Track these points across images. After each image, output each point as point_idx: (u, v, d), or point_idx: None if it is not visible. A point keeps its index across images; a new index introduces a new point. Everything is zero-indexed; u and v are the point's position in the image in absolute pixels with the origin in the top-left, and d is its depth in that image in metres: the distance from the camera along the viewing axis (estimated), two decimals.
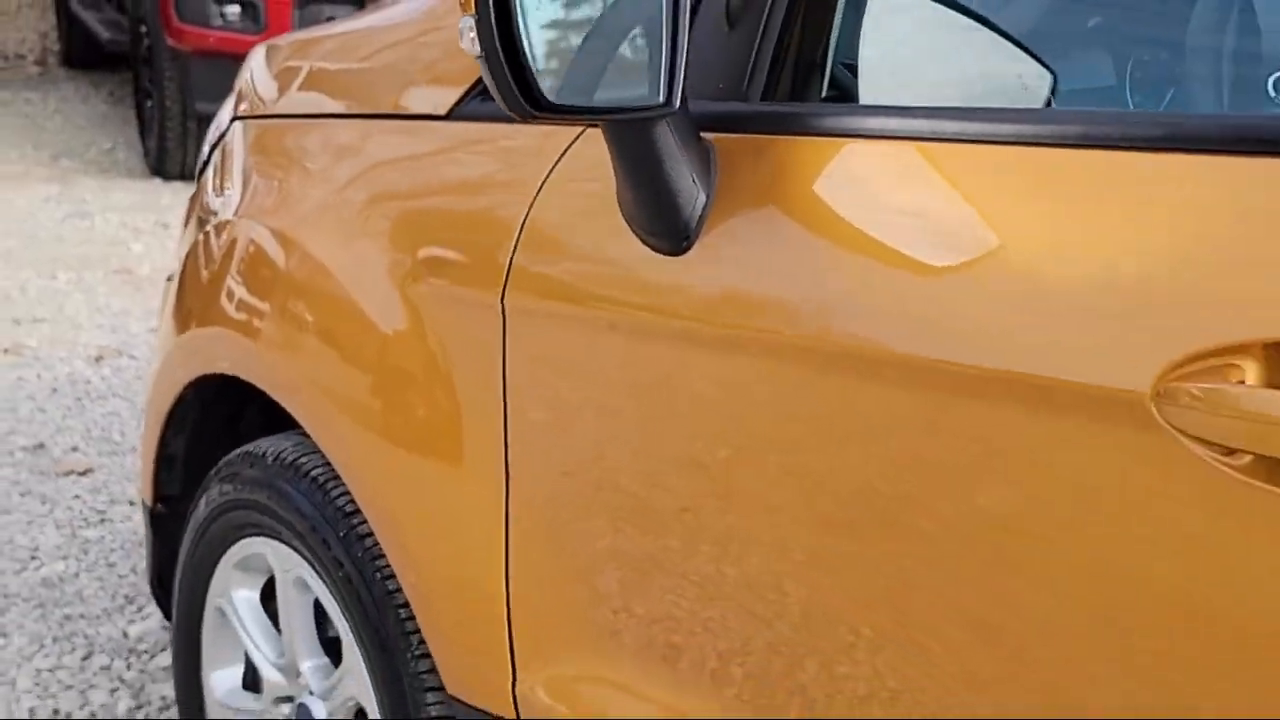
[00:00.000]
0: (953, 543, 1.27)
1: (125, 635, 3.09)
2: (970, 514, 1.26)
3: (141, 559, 3.18)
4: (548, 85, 1.33)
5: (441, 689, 1.85)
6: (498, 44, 1.29)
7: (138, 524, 3.43)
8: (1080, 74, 1.63)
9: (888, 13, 1.52)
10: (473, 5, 1.28)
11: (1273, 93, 1.65)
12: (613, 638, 1.64)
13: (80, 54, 9.43)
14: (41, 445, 3.99)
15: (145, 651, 3.03)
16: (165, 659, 2.93)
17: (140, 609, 3.18)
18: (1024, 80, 1.54)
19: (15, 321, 4.97)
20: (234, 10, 6.35)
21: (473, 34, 1.29)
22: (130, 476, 3.75)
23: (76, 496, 3.70)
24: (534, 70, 1.31)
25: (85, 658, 3.01)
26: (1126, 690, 1.19)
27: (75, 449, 3.96)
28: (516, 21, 1.30)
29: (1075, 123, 1.33)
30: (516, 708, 1.75)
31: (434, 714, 1.87)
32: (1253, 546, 1.08)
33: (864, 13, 1.51)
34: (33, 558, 3.40)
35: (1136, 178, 1.22)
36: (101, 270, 5.57)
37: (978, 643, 1.27)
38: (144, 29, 6.98)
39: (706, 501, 1.51)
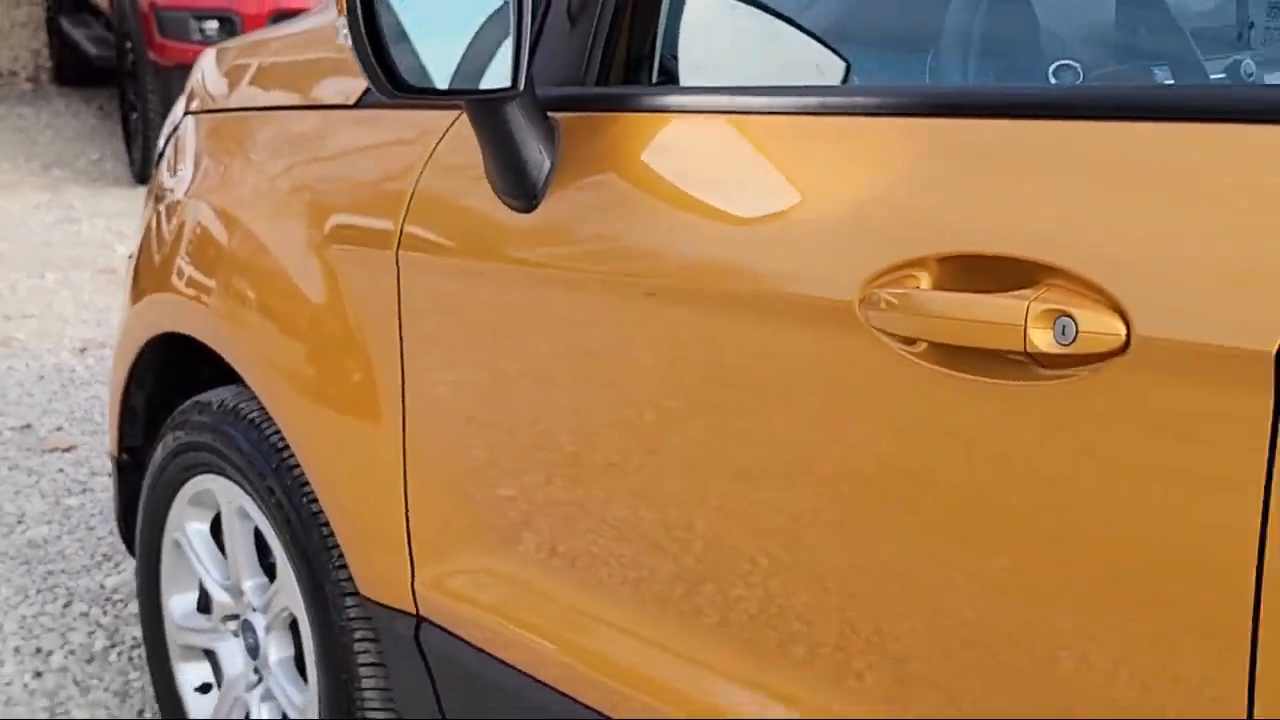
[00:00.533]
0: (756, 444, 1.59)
1: (102, 587, 3.41)
2: (763, 419, 1.58)
3: (69, 424, 3.47)
4: (409, 72, 1.67)
5: (356, 593, 2.17)
6: (364, 37, 1.62)
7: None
8: (876, 63, 1.95)
9: (704, 11, 1.85)
10: (344, 6, 1.61)
11: (1053, 80, 1.97)
12: (488, 539, 1.97)
13: (71, 71, 9.75)
14: (29, 425, 4.31)
15: (120, 600, 3.35)
16: (137, 606, 3.24)
17: (116, 565, 3.50)
18: (820, 67, 1.88)
19: (6, 317, 5.30)
20: (212, 26, 6.68)
21: (345, 31, 1.63)
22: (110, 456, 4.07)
23: (60, 470, 4.02)
24: (395, 60, 1.64)
25: (65, 605, 3.33)
26: (857, 540, 1.51)
27: (59, 429, 4.29)
28: (379, 20, 1.63)
29: (832, 96, 1.66)
30: (415, 601, 2.07)
31: (351, 615, 2.20)
32: (928, 412, 1.41)
33: (684, 11, 1.84)
34: (19, 522, 3.73)
35: (863, 135, 1.54)
36: (88, 270, 5.89)
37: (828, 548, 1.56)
38: (129, 45, 7.32)
39: (559, 411, 1.84)
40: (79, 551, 3.59)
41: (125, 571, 3.45)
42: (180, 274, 2.45)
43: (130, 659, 3.12)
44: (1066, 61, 1.91)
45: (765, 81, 1.83)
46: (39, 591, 3.39)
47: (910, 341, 1.40)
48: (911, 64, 1.92)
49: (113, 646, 3.18)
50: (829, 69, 1.87)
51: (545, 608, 1.92)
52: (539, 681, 1.92)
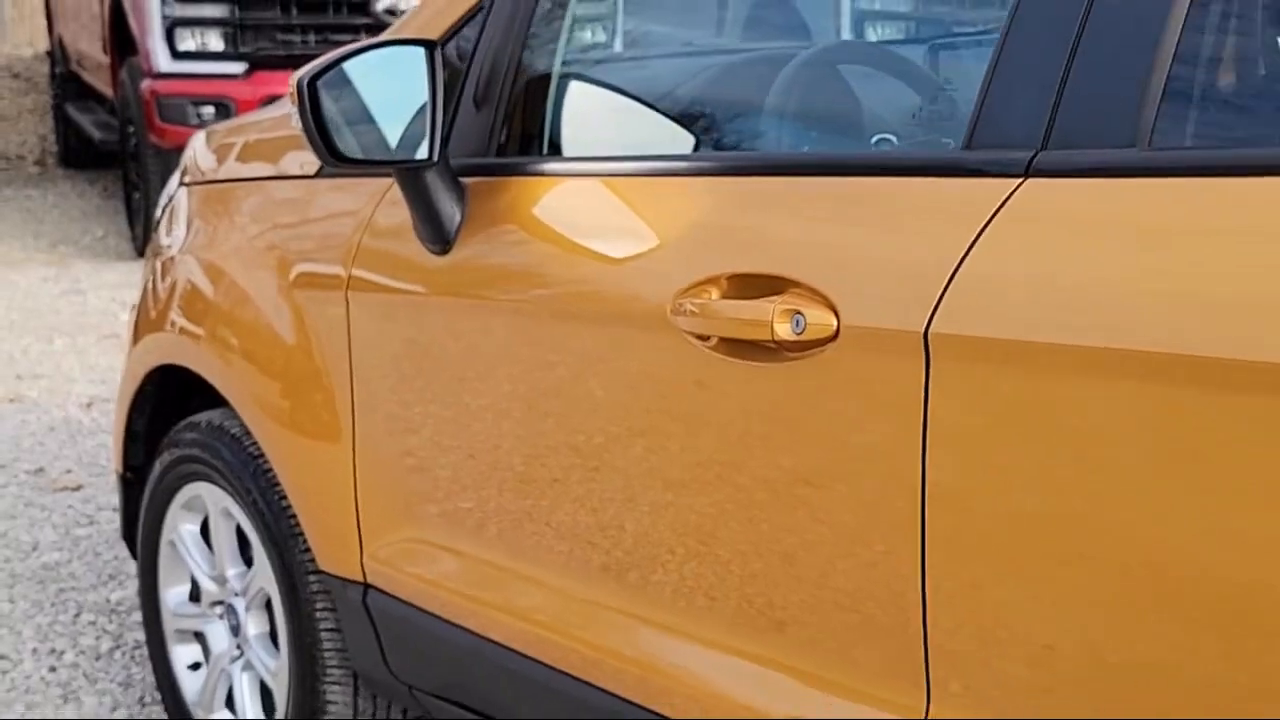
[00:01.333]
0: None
1: (108, 600, 3.91)
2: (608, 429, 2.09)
3: (123, 549, 3.98)
4: (348, 147, 2.19)
5: (318, 570, 2.68)
6: (310, 120, 2.15)
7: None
8: (716, 137, 2.47)
9: (579, 98, 2.38)
10: (294, 97, 2.14)
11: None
12: (420, 517, 2.48)
13: (76, 154, 10.33)
14: (41, 469, 4.82)
15: (124, 611, 3.84)
16: (139, 615, 3.73)
17: (120, 583, 4.00)
18: (675, 140, 2.41)
19: (18, 377, 5.82)
20: (209, 111, 7.23)
21: (296, 117, 2.15)
22: (115, 492, 4.57)
23: (70, 506, 4.53)
24: (336, 138, 2.17)
25: (76, 615, 3.83)
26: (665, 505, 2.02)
27: (69, 471, 4.79)
28: (322, 107, 2.16)
29: (670, 162, 2.19)
30: (363, 572, 2.58)
31: (313, 588, 2.70)
32: (720, 395, 1.93)
33: (564, 99, 2.37)
34: (34, 549, 4.23)
35: (687, 190, 2.07)
36: (93, 335, 6.41)
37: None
38: (131, 129, 7.88)
39: (473, 409, 2.35)
40: (87, 572, 4.08)
41: (128, 588, 3.93)
42: (175, 315, 2.97)
43: (132, 657, 3.60)
44: (885, 135, 2.43)
45: (625, 151, 2.35)
46: (52, 605, 3.89)
47: (705, 338, 1.92)
48: (745, 135, 2.44)
49: (117, 648, 3.67)
50: (677, 140, 2.40)
51: (467, 569, 2.42)
52: (464, 629, 2.41)
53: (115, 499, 4.42)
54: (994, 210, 1.66)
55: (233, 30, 7.28)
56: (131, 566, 3.81)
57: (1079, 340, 1.57)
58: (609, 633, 2.19)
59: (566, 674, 2.23)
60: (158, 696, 3.27)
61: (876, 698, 1.81)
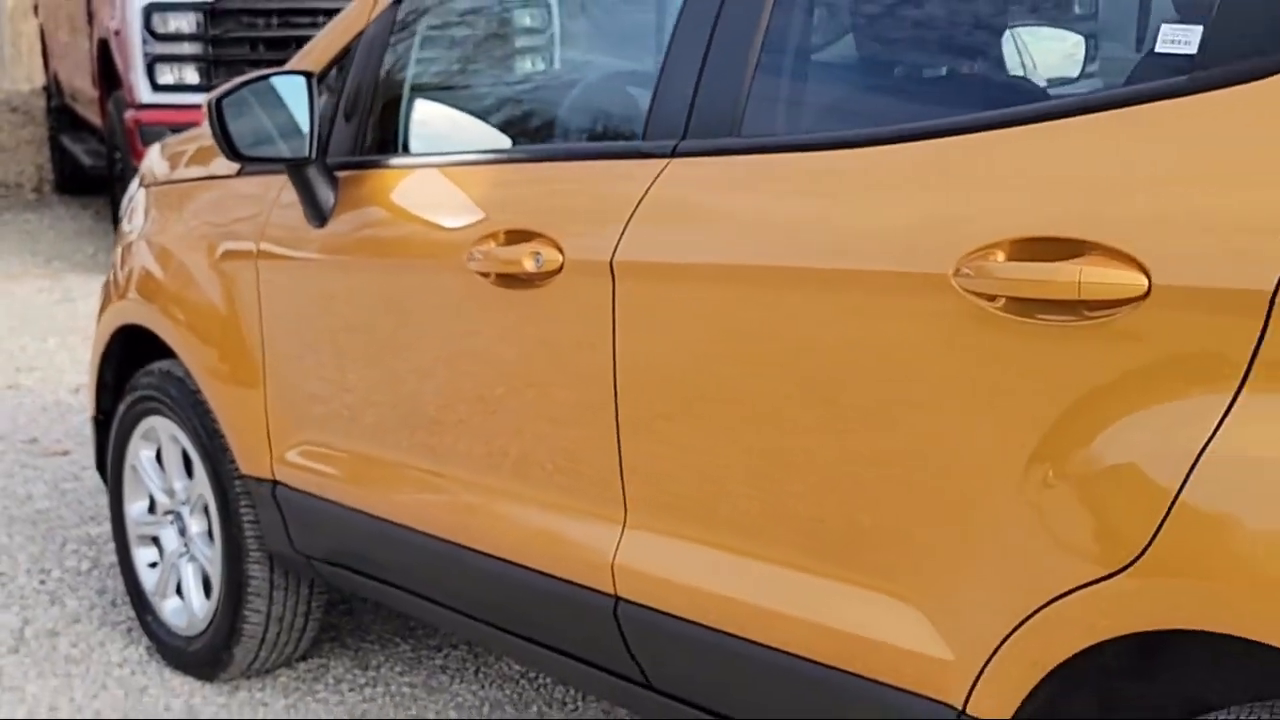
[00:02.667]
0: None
1: (89, 534, 4.75)
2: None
3: (103, 495, 4.80)
4: (247, 147, 3.05)
5: (240, 474, 3.51)
6: (218, 130, 3.00)
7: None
8: (515, 137, 3.30)
9: (424, 112, 3.22)
10: (205, 111, 2.99)
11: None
12: (312, 425, 3.31)
13: (70, 181, 11.19)
14: (35, 439, 5.66)
15: (101, 541, 4.67)
16: (113, 545, 4.55)
17: (99, 521, 4.83)
18: (498, 143, 3.25)
19: (16, 369, 6.67)
20: None
21: (209, 125, 3.01)
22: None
23: (59, 467, 5.37)
24: (237, 140, 3.02)
25: (62, 545, 4.67)
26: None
27: (58, 440, 5.64)
28: (227, 119, 3.01)
29: (486, 155, 3.03)
30: (272, 471, 3.41)
31: (237, 489, 3.53)
32: (494, 316, 2.77)
33: (413, 112, 3.21)
34: (28, 499, 5.07)
35: (495, 175, 2.91)
36: (82, 336, 7.25)
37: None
38: (117, 155, 8.74)
39: (347, 341, 3.19)
40: (71, 515, 4.92)
41: (104, 526, 4.76)
42: (135, 286, 3.82)
43: (107, 574, 4.43)
44: (620, 132, 3.24)
45: (452, 149, 3.19)
46: (43, 538, 4.72)
47: (487, 275, 2.76)
48: (533, 135, 3.29)
49: (95, 568, 4.51)
50: (485, 140, 3.24)
51: (347, 463, 3.25)
52: (346, 507, 3.24)
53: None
54: (654, 178, 2.51)
55: (206, 65, 8.14)
56: (107, 510, 4.64)
57: (710, 259, 2.41)
58: (446, 497, 3.02)
59: (420, 531, 3.06)
60: (127, 600, 4.10)
61: (597, 514, 2.65)
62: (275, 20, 8.21)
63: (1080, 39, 3.42)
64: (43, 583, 4.41)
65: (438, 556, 3.01)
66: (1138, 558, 1.87)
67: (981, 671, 2.08)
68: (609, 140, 2.99)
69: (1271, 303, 1.76)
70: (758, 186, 2.40)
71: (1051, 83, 3.22)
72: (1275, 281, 1.75)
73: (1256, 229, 1.79)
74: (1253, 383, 1.79)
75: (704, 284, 2.42)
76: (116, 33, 8.46)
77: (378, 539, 3.16)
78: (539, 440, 2.77)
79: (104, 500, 4.55)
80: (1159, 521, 1.85)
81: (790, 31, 2.48)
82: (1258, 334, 1.78)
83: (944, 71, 2.57)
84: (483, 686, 3.75)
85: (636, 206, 2.51)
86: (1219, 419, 1.81)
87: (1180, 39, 1.94)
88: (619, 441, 2.58)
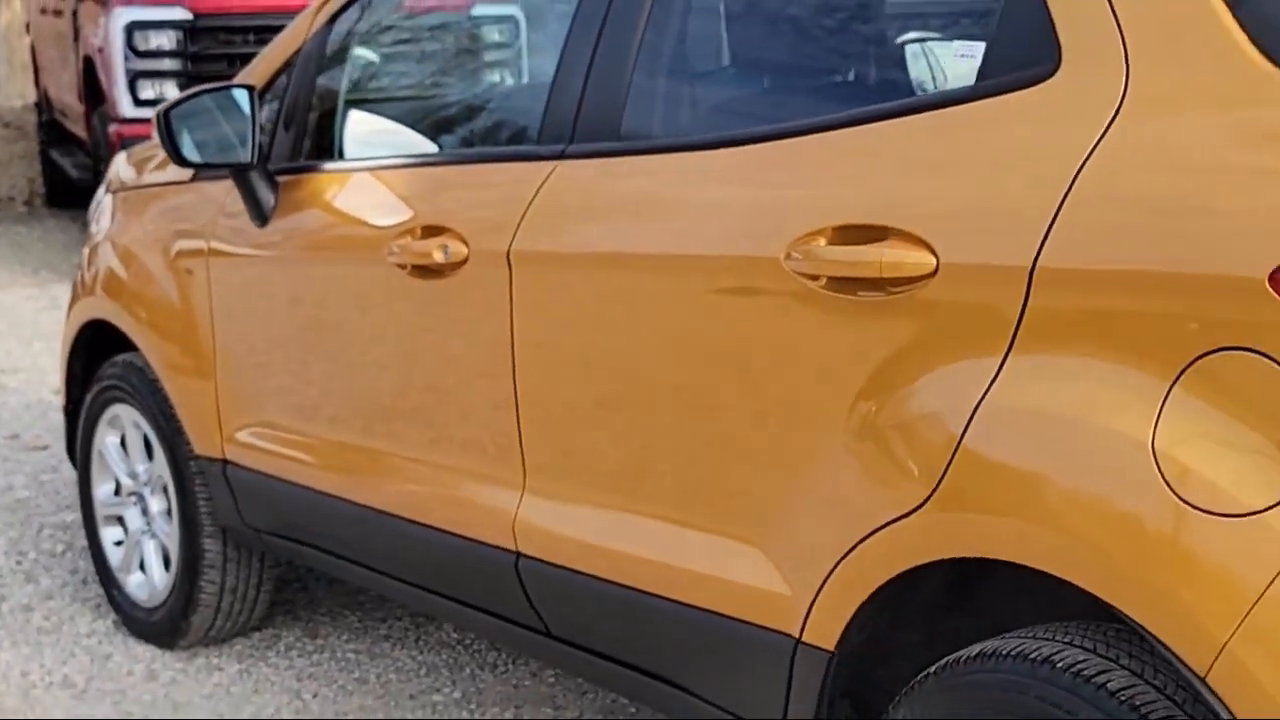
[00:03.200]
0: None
1: (63, 521, 5.06)
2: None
3: (46, 435, 5.08)
4: (190, 152, 3.36)
5: (195, 455, 3.82)
6: (166, 138, 3.31)
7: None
8: (432, 143, 3.61)
9: (356, 124, 3.54)
10: (155, 122, 3.30)
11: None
12: (257, 409, 3.63)
13: (60, 194, 11.49)
14: (16, 435, 5.97)
15: (74, 528, 4.97)
16: (84, 531, 4.85)
17: (73, 509, 5.13)
18: (421, 149, 3.56)
19: (0, 370, 6.98)
20: None
21: (158, 134, 3.32)
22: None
23: (39, 460, 5.68)
24: (183, 145, 3.34)
25: (38, 531, 4.98)
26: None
27: (39, 436, 5.95)
28: (175, 128, 3.32)
29: (407, 160, 3.34)
30: (223, 451, 3.73)
31: (192, 469, 3.84)
32: (408, 302, 3.08)
33: (346, 124, 3.52)
34: (9, 489, 5.38)
35: (415, 176, 3.22)
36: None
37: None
38: (103, 167, 9.05)
39: (287, 328, 3.50)
40: (48, 504, 5.23)
41: (78, 513, 5.05)
42: (101, 284, 4.13)
43: (79, 556, 4.73)
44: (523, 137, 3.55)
45: (384, 155, 3.50)
46: (21, 524, 5.03)
47: (404, 267, 3.07)
48: (447, 142, 3.59)
49: (68, 550, 4.81)
50: (408, 147, 3.55)
51: (288, 441, 3.56)
52: (289, 482, 3.55)
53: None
54: (545, 178, 2.82)
55: (185, 81, 8.43)
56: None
57: (588, 249, 2.72)
58: (371, 470, 3.33)
59: (349, 501, 3.36)
60: (96, 579, 4.41)
61: (500, 480, 2.95)
62: (252, 37, 8.52)
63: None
64: (19, 563, 4.72)
65: (365, 524, 3.32)
66: (930, 496, 2.18)
67: (813, 603, 2.39)
68: (511, 145, 3.30)
69: (1030, 276, 2.07)
70: (629, 184, 2.71)
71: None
72: (1033, 257, 2.06)
73: (1018, 213, 2.10)
74: (1018, 346, 2.10)
75: (583, 270, 2.73)
76: (101, 50, 8.78)
77: (314, 510, 3.47)
78: (450, 415, 3.08)
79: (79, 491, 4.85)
80: (945, 465, 2.16)
81: (662, 48, 2.80)
82: (1020, 303, 2.09)
83: (796, 82, 2.88)
84: (421, 652, 4.05)
85: (530, 203, 2.82)
86: (992, 377, 2.12)
87: (969, 53, 2.25)
88: (518, 415, 2.89)
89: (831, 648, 2.37)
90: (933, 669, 2.23)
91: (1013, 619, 2.27)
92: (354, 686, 3.89)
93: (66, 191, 11.16)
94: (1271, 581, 1.85)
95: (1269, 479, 1.86)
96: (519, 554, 2.93)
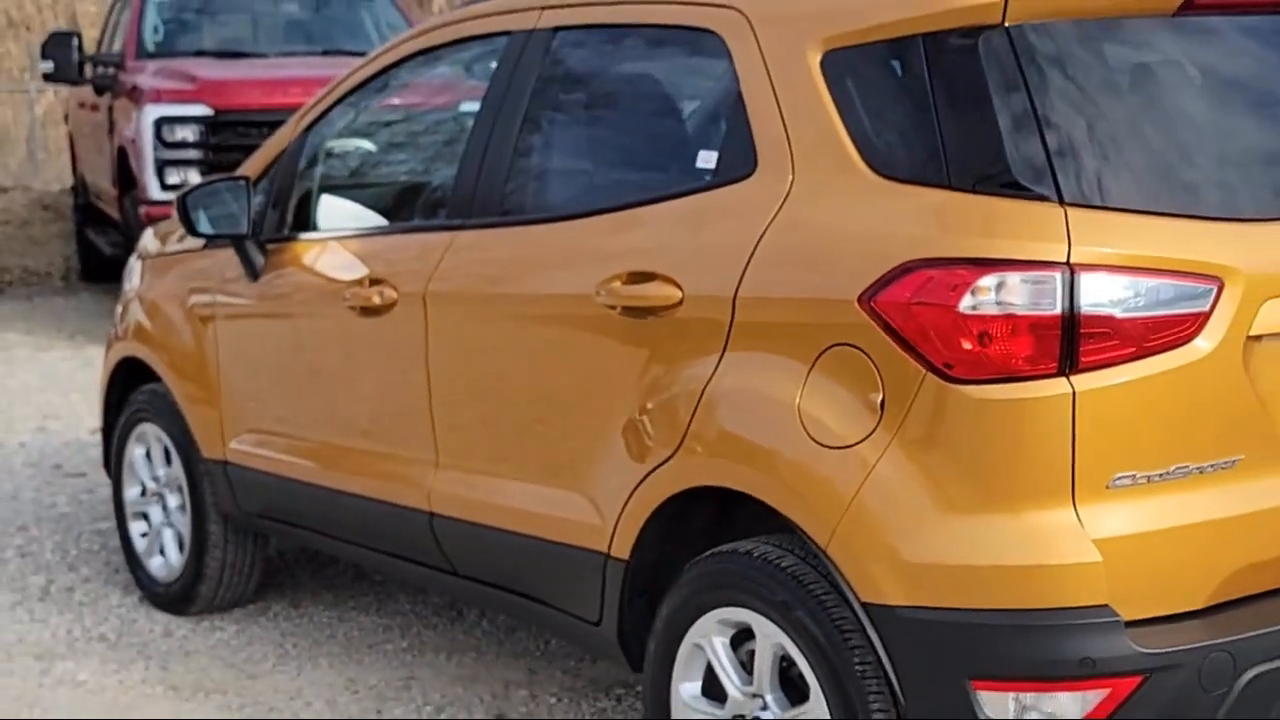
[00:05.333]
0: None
1: (98, 529, 6.19)
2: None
3: (111, 504, 6.23)
4: (202, 226, 4.55)
5: (203, 459, 4.98)
6: (183, 216, 4.50)
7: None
8: (390, 219, 4.77)
9: (329, 205, 4.71)
10: (175, 206, 4.49)
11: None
12: (251, 420, 4.78)
13: (93, 270, 12.71)
14: (59, 465, 7.13)
15: (108, 533, 6.10)
16: (116, 536, 5.97)
17: (105, 519, 6.26)
18: (371, 223, 4.74)
19: (44, 416, 8.17)
20: None
21: (177, 214, 4.51)
22: (108, 478, 6.86)
23: (77, 484, 6.82)
24: (197, 221, 4.53)
25: (79, 536, 6.12)
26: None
27: (78, 467, 7.11)
28: (191, 207, 4.51)
29: (368, 231, 4.51)
30: (225, 453, 4.88)
31: (200, 470, 5.00)
32: (355, 337, 4.23)
33: (320, 205, 4.70)
34: (52, 505, 6.52)
35: (371, 245, 4.39)
36: (98, 393, 8.74)
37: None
38: (134, 244, 10.26)
39: (274, 362, 4.66)
40: (86, 516, 6.38)
41: (111, 523, 6.20)
42: (132, 330, 5.30)
43: (112, 552, 5.86)
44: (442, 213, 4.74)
45: (347, 228, 4.66)
46: (64, 531, 6.17)
47: (355, 309, 4.22)
48: (398, 215, 4.75)
49: (103, 549, 5.95)
50: (371, 220, 4.71)
51: (274, 443, 4.70)
52: (275, 475, 4.69)
53: (108, 481, 6.75)
54: (450, 243, 3.98)
55: (207, 169, 9.66)
56: (113, 510, 6.07)
57: (475, 290, 3.88)
58: (328, 458, 4.47)
59: (313, 484, 4.51)
60: (125, 568, 5.54)
61: (421, 460, 4.09)
62: (266, 130, 9.69)
63: None
64: (63, 558, 5.87)
65: (328, 501, 4.47)
66: (678, 448, 3.32)
67: (615, 528, 3.52)
68: (429, 219, 4.43)
69: (734, 302, 3.22)
70: (503, 246, 3.88)
71: None
72: (734, 290, 3.21)
73: (727, 262, 3.25)
74: (729, 347, 3.25)
75: (473, 307, 3.90)
76: (133, 141, 10.01)
77: (291, 494, 4.62)
78: (386, 415, 4.23)
79: (111, 509, 5.96)
80: (686, 427, 3.30)
81: (531, 151, 3.96)
82: (729, 320, 3.24)
83: (613, 173, 4.00)
84: (380, 617, 5.18)
85: (440, 261, 3.99)
86: (714, 368, 3.27)
87: (708, 160, 3.42)
88: (432, 412, 4.04)
89: (627, 557, 3.50)
90: (691, 563, 3.37)
91: (750, 534, 3.39)
92: (325, 641, 5.01)
93: (99, 267, 12.38)
94: (861, 485, 2.98)
95: (861, 423, 3.01)
96: (433, 514, 4.07)
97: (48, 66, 11.46)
